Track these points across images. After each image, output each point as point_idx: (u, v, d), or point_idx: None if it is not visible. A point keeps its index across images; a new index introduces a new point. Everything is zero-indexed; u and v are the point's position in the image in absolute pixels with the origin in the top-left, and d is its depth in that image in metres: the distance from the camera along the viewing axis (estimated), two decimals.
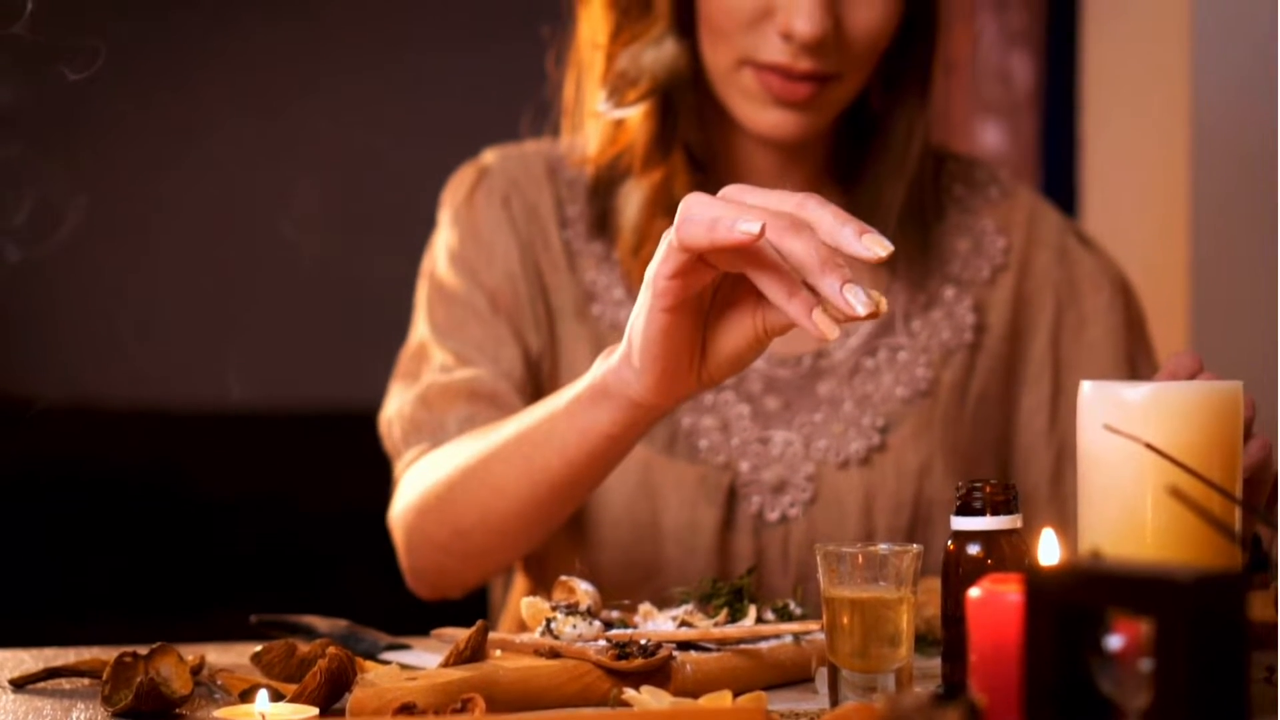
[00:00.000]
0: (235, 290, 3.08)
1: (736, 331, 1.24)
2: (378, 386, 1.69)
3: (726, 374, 1.26)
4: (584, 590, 1.29)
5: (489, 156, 1.73)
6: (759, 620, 1.30)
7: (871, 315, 1.13)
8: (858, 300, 1.12)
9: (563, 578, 1.31)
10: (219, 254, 3.08)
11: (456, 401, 1.60)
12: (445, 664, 1.18)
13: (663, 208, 1.63)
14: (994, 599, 1.03)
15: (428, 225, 1.73)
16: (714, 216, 1.14)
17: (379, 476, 1.66)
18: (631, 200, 1.65)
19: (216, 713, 1.13)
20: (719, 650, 1.26)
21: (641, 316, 1.23)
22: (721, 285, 1.23)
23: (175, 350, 3.05)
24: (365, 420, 1.74)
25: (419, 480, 1.56)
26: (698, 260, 1.18)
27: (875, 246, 1.13)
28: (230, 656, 1.38)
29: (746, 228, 1.13)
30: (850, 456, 1.64)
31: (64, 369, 3.07)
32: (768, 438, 1.64)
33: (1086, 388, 1.17)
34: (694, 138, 1.64)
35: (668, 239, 1.18)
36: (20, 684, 1.29)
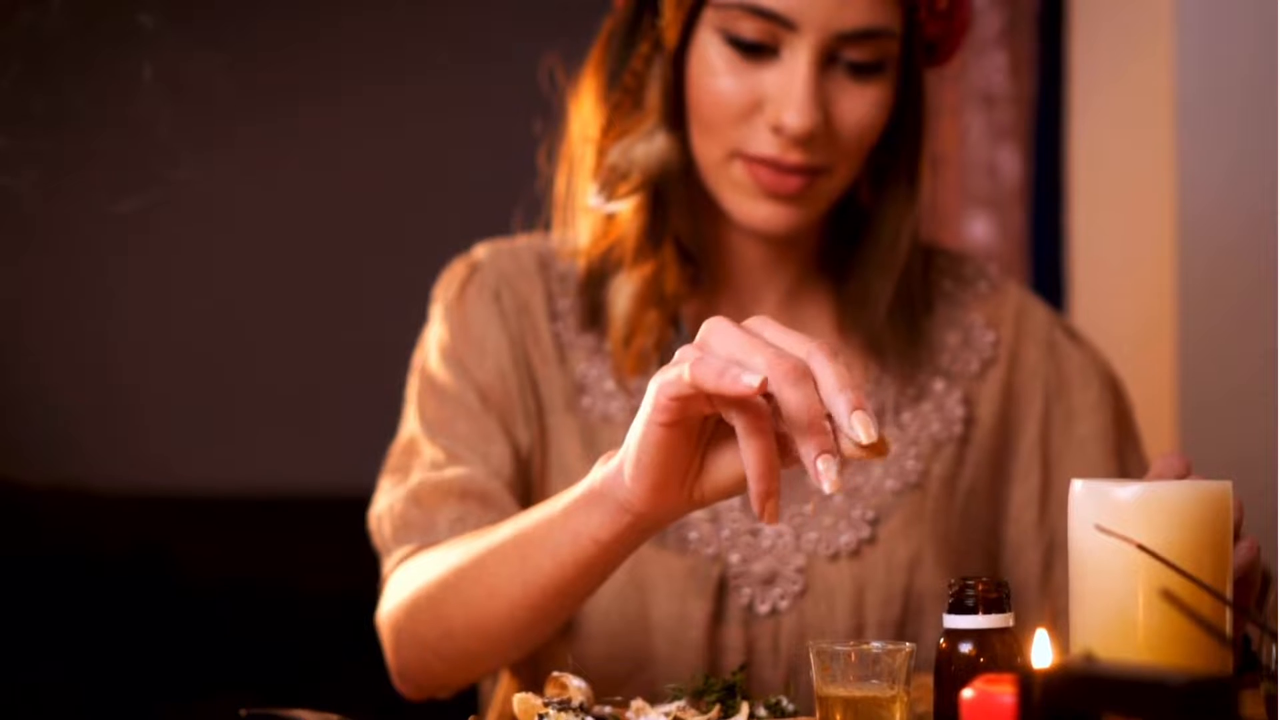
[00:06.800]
0: (226, 373, 3.08)
1: (737, 461, 1.23)
2: (371, 473, 1.69)
3: (719, 497, 1.26)
4: (576, 686, 1.29)
5: (480, 251, 1.74)
6: (751, 717, 1.30)
7: (835, 489, 1.15)
8: (828, 475, 1.14)
9: (555, 673, 1.31)
10: (209, 335, 3.07)
11: (448, 500, 1.60)
12: None
13: (654, 300, 1.64)
14: (987, 699, 1.03)
15: (421, 315, 1.73)
16: (725, 364, 1.15)
17: (372, 565, 1.65)
18: (623, 293, 1.65)
19: None
20: None
21: (639, 426, 1.23)
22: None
23: (164, 433, 3.04)
24: (358, 506, 1.74)
25: (410, 580, 1.55)
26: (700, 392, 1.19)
27: (860, 428, 1.14)
28: None
29: (749, 380, 1.14)
30: (840, 549, 1.64)
31: (49, 451, 3.06)
32: (758, 529, 1.64)
33: (1078, 487, 1.17)
34: (685, 230, 1.65)
35: (679, 367, 1.18)
36: None
